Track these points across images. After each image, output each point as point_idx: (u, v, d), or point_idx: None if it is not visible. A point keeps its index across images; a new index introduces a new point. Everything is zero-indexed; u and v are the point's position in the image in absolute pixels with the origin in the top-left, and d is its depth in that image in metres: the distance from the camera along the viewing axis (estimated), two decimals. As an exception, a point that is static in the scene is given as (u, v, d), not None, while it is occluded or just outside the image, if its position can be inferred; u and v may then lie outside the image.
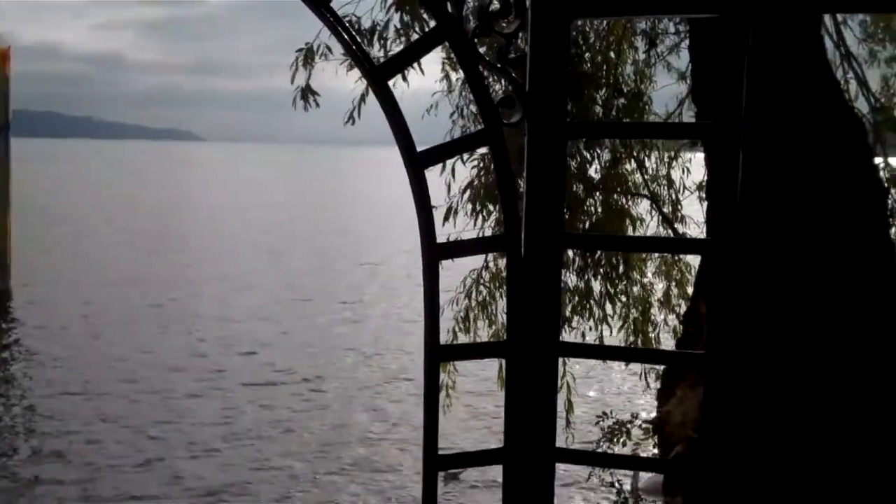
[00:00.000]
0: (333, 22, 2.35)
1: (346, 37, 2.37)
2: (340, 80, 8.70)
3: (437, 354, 2.55)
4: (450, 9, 2.41)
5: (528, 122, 2.48)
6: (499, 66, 2.48)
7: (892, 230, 8.24)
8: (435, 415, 2.58)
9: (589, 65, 8.70)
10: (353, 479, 16.01)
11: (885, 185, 9.06)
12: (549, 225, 2.49)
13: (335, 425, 18.81)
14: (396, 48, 8.06)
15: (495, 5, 2.44)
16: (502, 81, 2.84)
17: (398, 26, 7.92)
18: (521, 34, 2.50)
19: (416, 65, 8.17)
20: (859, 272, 6.37)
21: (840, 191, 6.44)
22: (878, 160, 9.28)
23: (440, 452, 2.60)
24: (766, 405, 5.96)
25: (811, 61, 6.92)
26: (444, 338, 9.64)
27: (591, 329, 9.44)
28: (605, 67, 8.88)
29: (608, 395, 19.80)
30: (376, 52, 8.32)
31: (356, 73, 7.46)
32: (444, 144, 2.48)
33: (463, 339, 9.26)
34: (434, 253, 2.50)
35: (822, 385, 6.02)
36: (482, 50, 2.63)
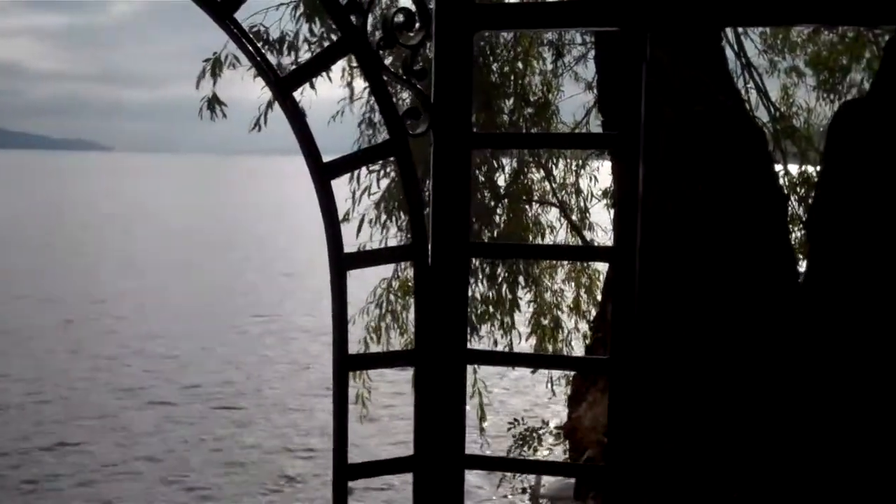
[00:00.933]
0: (237, 33, 2.34)
1: (250, 48, 2.36)
2: (252, 89, 8.67)
3: (346, 364, 2.55)
4: (354, 21, 2.43)
5: (434, 132, 2.50)
6: (404, 77, 2.50)
7: (792, 236, 8.51)
8: (344, 425, 2.58)
9: (497, 75, 8.80)
10: (270, 491, 15.85)
11: (785, 192, 9.34)
12: (455, 234, 2.52)
13: (254, 440, 18.59)
14: (307, 58, 8.06)
15: (400, 18, 2.47)
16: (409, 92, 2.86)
17: (308, 36, 7.92)
18: (426, 45, 2.52)
19: (323, 75, 8.18)
20: (760, 276, 6.56)
21: (740, 198, 6.62)
22: (778, 168, 9.58)
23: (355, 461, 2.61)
24: (668, 407, 6.11)
25: (709, 72, 7.10)
26: (357, 348, 9.67)
27: (502, 336, 9.53)
28: (512, 78, 8.99)
29: (531, 402, 19.89)
30: (287, 62, 8.32)
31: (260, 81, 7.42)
32: (351, 155, 2.49)
33: (375, 348, 9.27)
34: (341, 263, 2.51)
35: (724, 385, 6.18)
36: (390, 60, 2.65)
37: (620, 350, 2.47)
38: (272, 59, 8.37)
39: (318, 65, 2.54)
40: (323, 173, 2.45)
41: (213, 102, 8.56)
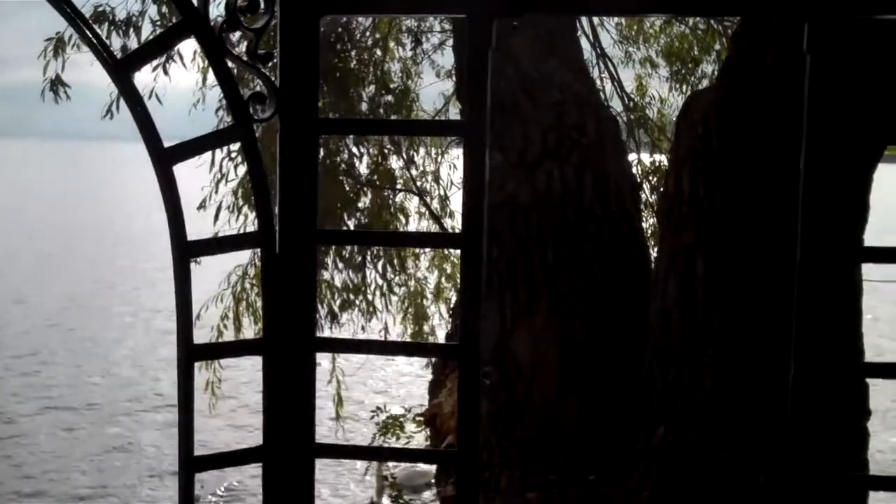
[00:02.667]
0: (72, 14, 2.26)
1: (85, 29, 2.28)
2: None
3: (191, 354, 2.50)
4: (195, 2, 2.37)
5: (280, 117, 2.47)
6: (248, 61, 2.45)
7: (645, 224, 8.75)
8: (190, 416, 2.53)
9: (355, 62, 8.76)
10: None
11: (639, 180, 9.59)
12: (303, 221, 2.49)
13: (122, 442, 18.07)
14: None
15: (243, 0, 2.42)
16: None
17: (155, 18, 7.71)
18: (271, 29, 2.48)
19: (177, 59, 8.00)
20: (614, 264, 6.71)
21: (595, 186, 6.76)
22: (633, 157, 9.83)
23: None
24: (512, 391, 6.16)
25: (566, 63, 7.22)
26: (211, 336, 9.49)
27: (367, 322, 9.53)
28: (371, 65, 8.96)
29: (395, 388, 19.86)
30: (134, 45, 8.08)
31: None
32: (194, 140, 2.43)
33: (229, 337, 9.13)
34: (184, 251, 2.45)
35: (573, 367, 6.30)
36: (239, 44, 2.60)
37: (469, 335, 2.49)
38: (119, 41, 8.16)
39: (157, 47, 2.48)
40: (164, 159, 2.39)
41: (56, 84, 8.23)
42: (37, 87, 8.28)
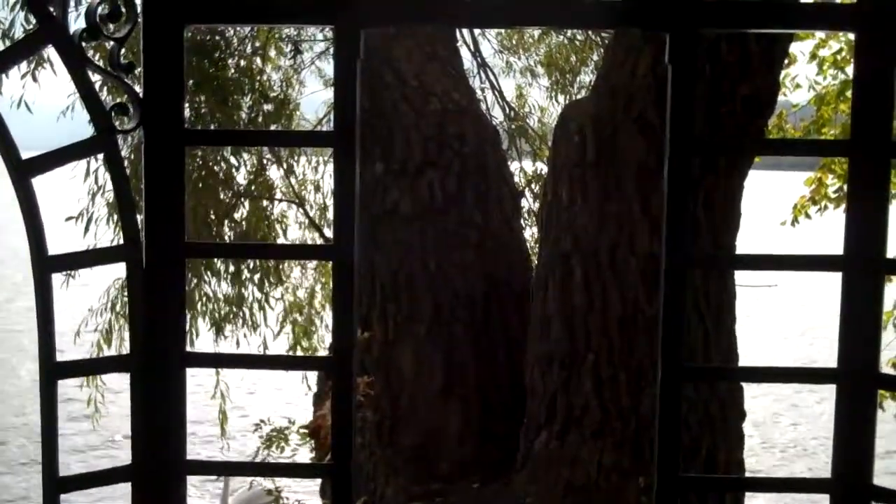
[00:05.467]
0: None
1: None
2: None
3: (54, 373, 2.42)
4: (52, 10, 2.29)
5: (144, 128, 2.41)
6: (111, 71, 2.39)
7: (528, 231, 8.85)
8: (54, 436, 2.44)
9: (234, 71, 8.64)
10: None
11: (520, 188, 9.70)
12: (170, 234, 2.43)
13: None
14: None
15: (104, 8, 2.35)
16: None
17: (25, 25, 7.48)
18: (133, 37, 2.42)
19: (48, 65, 7.76)
20: (496, 270, 6.77)
21: (476, 194, 6.82)
22: (514, 165, 9.93)
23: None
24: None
25: (445, 71, 7.25)
26: (91, 352, 9.23)
27: (244, 336, 9.39)
28: (250, 74, 8.85)
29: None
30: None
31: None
32: (53, 152, 2.35)
33: (109, 352, 8.89)
34: (45, 266, 2.37)
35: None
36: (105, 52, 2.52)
37: (342, 348, 2.46)
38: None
39: (13, 56, 2.39)
40: (21, 171, 2.31)
41: None
42: None
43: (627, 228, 5.26)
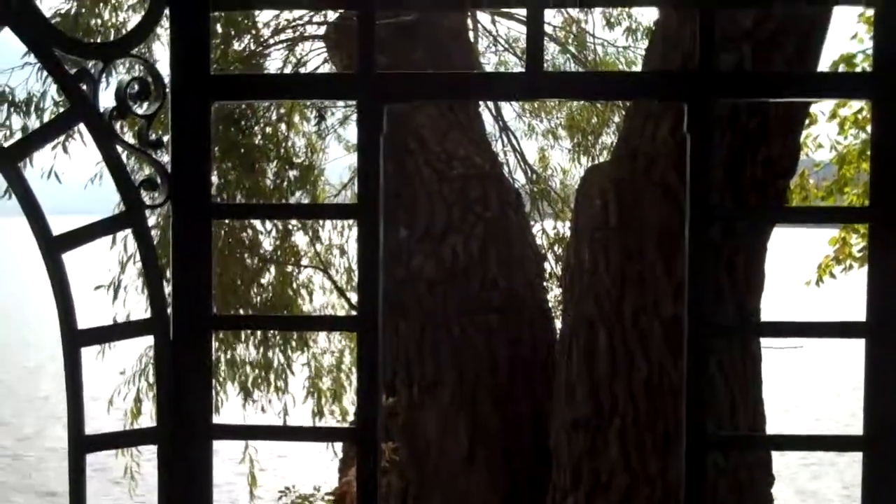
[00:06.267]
0: (-45, 102, 2.23)
1: (-31, 118, 2.26)
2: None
3: (82, 446, 2.44)
4: (84, 88, 2.36)
5: (173, 203, 2.45)
6: (139, 147, 2.44)
7: (551, 294, 8.85)
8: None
9: (260, 137, 8.75)
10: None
11: (543, 250, 9.72)
12: (197, 307, 2.47)
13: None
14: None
15: (134, 87, 2.41)
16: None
17: (56, 98, 7.63)
18: (162, 114, 2.47)
19: (77, 135, 7.89)
20: (520, 331, 6.77)
21: (498, 256, 6.85)
22: (537, 227, 9.97)
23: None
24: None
25: (468, 136, 7.33)
26: (124, 421, 9.25)
27: (269, 403, 9.40)
28: (276, 140, 8.96)
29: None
30: (36, 124, 7.99)
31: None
32: (83, 228, 2.40)
33: (142, 419, 8.92)
34: (75, 340, 2.41)
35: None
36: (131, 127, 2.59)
37: (366, 419, 2.48)
38: (19, 121, 8.04)
39: (47, 135, 2.46)
40: (52, 247, 2.35)
41: None
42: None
43: (651, 292, 5.26)
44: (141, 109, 2.42)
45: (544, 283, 7.93)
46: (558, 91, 2.52)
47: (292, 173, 9.05)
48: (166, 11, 2.44)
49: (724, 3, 2.40)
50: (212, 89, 2.41)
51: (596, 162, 10.58)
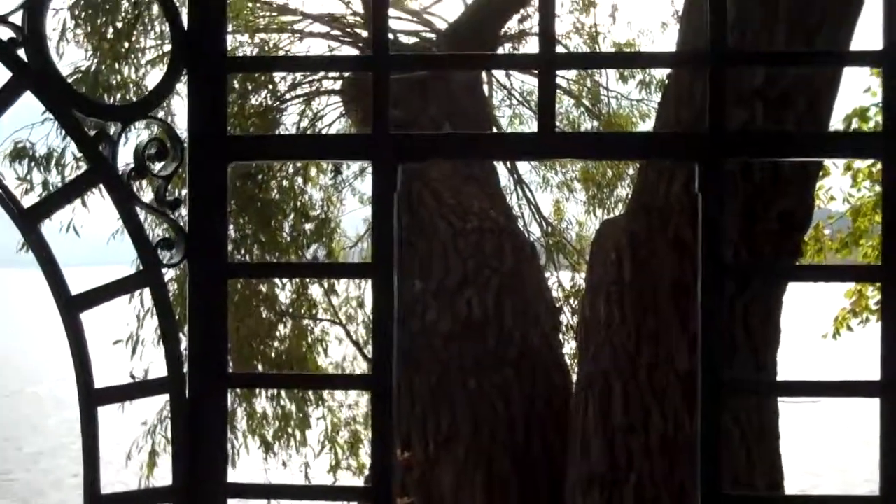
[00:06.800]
0: (-23, 165, 2.28)
1: (-10, 180, 2.29)
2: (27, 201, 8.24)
3: (97, 504, 2.45)
4: (103, 149, 2.40)
5: (189, 262, 2.48)
6: (157, 207, 2.48)
7: (567, 346, 8.84)
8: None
9: (276, 191, 8.84)
10: None
11: (559, 303, 9.72)
12: (213, 365, 2.48)
13: None
14: (76, 174, 7.86)
15: (152, 149, 2.45)
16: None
17: (76, 153, 7.73)
18: (179, 175, 2.51)
19: (96, 190, 7.98)
20: (532, 387, 6.75)
21: (514, 309, 6.85)
22: (552, 279, 9.98)
23: None
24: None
25: (482, 189, 7.37)
26: (141, 476, 9.24)
27: (289, 457, 9.39)
28: (292, 194, 9.05)
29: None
30: (56, 180, 8.10)
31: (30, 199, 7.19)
32: (100, 288, 2.43)
33: (160, 476, 8.91)
34: (92, 399, 2.43)
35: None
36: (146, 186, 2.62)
37: (381, 477, 2.48)
38: (39, 176, 8.15)
39: (66, 196, 2.50)
40: (70, 307, 2.38)
41: None
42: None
43: (666, 347, 5.26)
44: (159, 170, 2.46)
45: (560, 336, 7.92)
46: (570, 151, 2.55)
47: (308, 226, 9.12)
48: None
49: (733, 63, 2.43)
50: (228, 150, 2.45)
51: (611, 214, 10.61)
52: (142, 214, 2.54)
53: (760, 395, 4.73)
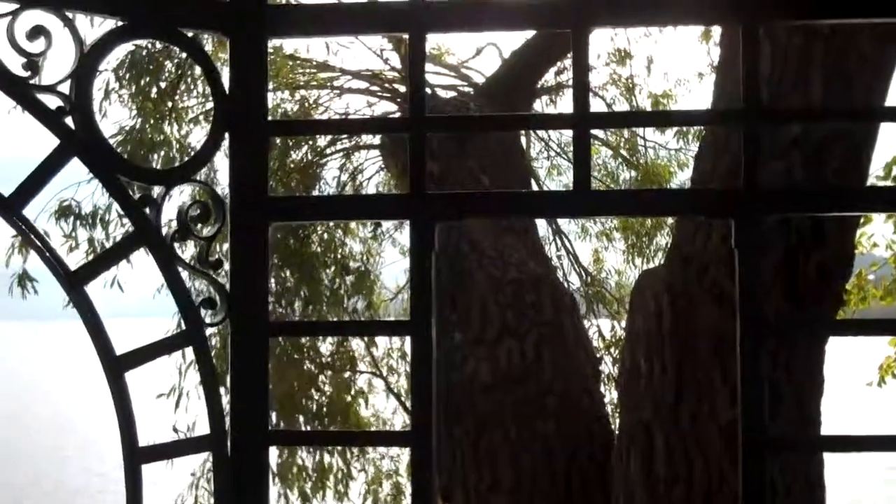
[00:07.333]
0: (25, 229, 2.34)
1: (38, 243, 2.36)
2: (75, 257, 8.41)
3: (141, 563, 2.48)
4: (147, 212, 2.45)
5: (231, 321, 2.52)
6: (199, 268, 2.53)
7: (608, 396, 8.78)
8: None
9: (317, 244, 8.92)
10: None
11: (599, 353, 9.68)
12: (255, 422, 2.51)
13: None
14: (120, 231, 8.00)
15: (195, 211, 2.51)
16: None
17: (120, 211, 7.87)
18: (221, 236, 2.56)
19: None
20: (573, 438, 6.71)
21: (553, 362, 6.83)
22: (592, 329, 9.95)
23: None
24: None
25: (521, 240, 7.39)
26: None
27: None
28: (332, 246, 9.13)
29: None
30: (100, 237, 8.24)
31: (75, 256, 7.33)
32: (145, 347, 2.48)
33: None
34: (135, 458, 2.46)
35: None
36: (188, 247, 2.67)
37: (420, 534, 2.49)
38: (84, 233, 8.30)
39: (111, 258, 2.56)
40: (115, 366, 2.43)
41: (23, 279, 8.37)
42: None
43: (707, 397, 5.21)
44: (201, 231, 2.51)
45: (601, 386, 7.87)
46: (606, 209, 2.58)
47: (349, 279, 9.18)
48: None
49: (767, 120, 2.44)
50: (269, 211, 2.50)
51: (650, 263, 10.58)
52: (184, 272, 2.59)
53: (803, 453, 4.67)
